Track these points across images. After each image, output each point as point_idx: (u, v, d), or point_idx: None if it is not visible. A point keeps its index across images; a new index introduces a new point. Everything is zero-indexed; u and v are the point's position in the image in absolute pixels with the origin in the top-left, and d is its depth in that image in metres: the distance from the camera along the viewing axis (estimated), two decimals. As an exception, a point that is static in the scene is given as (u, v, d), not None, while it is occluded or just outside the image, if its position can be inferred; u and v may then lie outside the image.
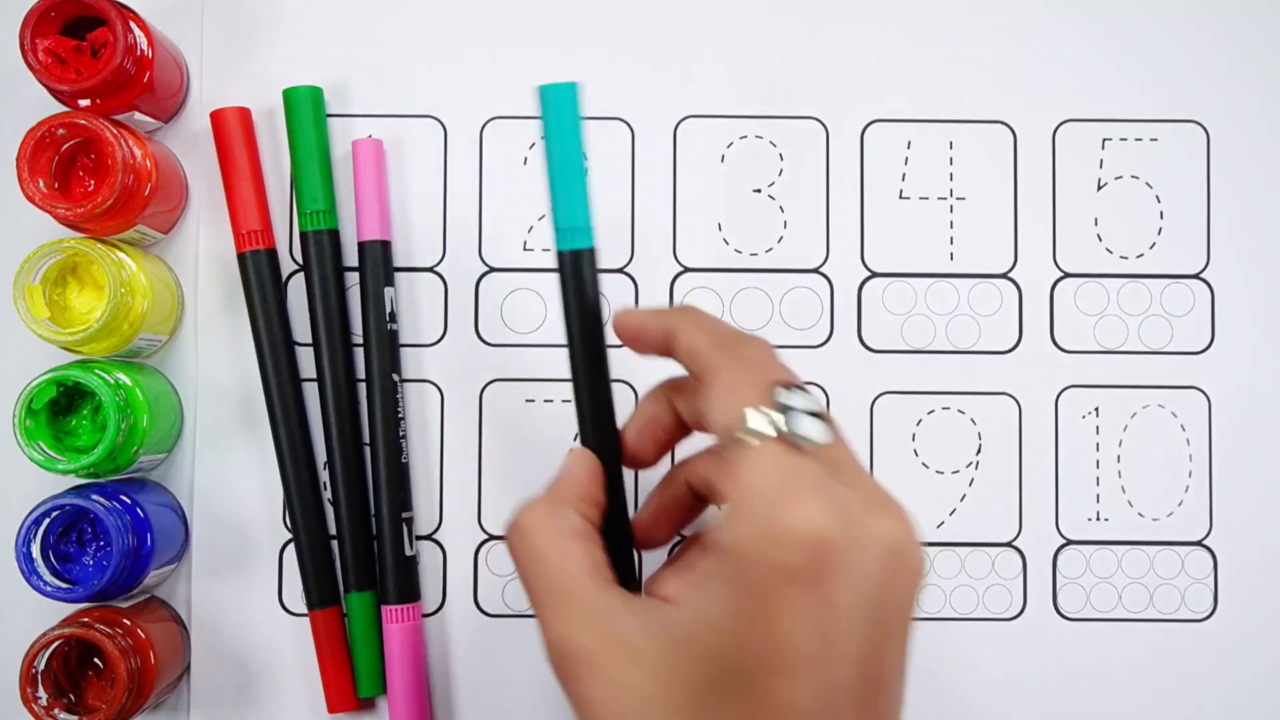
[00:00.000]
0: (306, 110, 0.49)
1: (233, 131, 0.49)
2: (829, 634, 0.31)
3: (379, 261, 0.49)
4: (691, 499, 0.40)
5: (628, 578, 0.41)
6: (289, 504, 0.49)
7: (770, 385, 0.34)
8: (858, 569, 0.31)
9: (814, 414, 0.34)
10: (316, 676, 0.50)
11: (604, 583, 0.35)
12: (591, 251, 0.40)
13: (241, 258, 0.49)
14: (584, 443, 0.41)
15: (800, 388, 0.34)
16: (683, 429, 0.40)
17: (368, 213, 0.50)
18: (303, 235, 0.50)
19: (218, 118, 0.49)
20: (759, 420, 0.33)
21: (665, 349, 0.39)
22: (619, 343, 0.40)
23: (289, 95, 0.50)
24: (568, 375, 0.41)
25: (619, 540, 0.40)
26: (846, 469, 0.33)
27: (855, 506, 0.32)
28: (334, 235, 0.50)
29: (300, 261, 0.51)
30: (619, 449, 0.41)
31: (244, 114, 0.50)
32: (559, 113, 0.40)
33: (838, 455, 0.34)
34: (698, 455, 0.40)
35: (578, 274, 0.40)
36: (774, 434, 0.33)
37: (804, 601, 0.31)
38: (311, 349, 0.50)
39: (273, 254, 0.50)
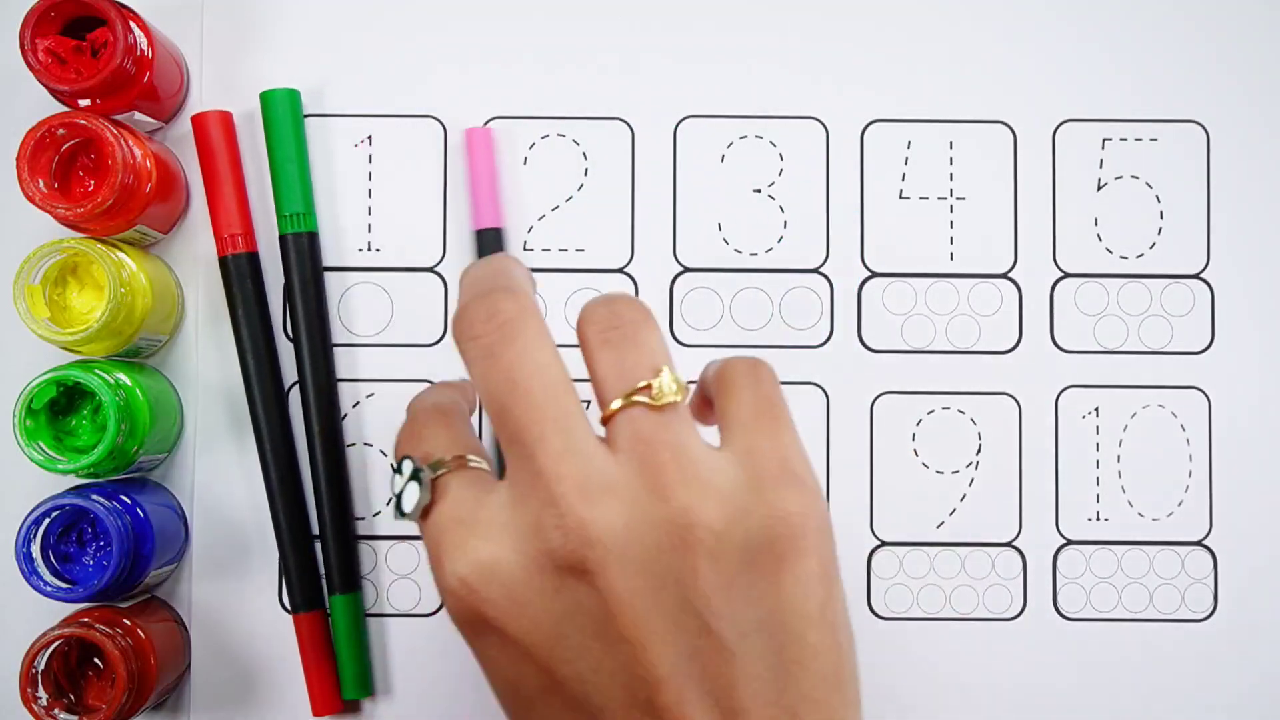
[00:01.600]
0: (284, 112, 0.50)
1: (214, 135, 0.49)
2: None
3: (494, 247, 0.50)
4: None
5: None
6: (271, 507, 0.49)
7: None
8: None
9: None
10: (316, 676, 0.50)
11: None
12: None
13: (223, 261, 0.49)
14: None
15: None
16: None
17: (484, 200, 0.50)
18: (281, 238, 0.50)
19: (199, 122, 0.49)
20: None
21: None
22: None
23: (266, 98, 0.50)
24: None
25: None
26: None
27: None
28: (313, 237, 0.50)
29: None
30: None
31: (225, 117, 0.50)
32: None
33: None
34: None
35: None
36: None
37: None
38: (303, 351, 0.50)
39: (254, 257, 0.50)
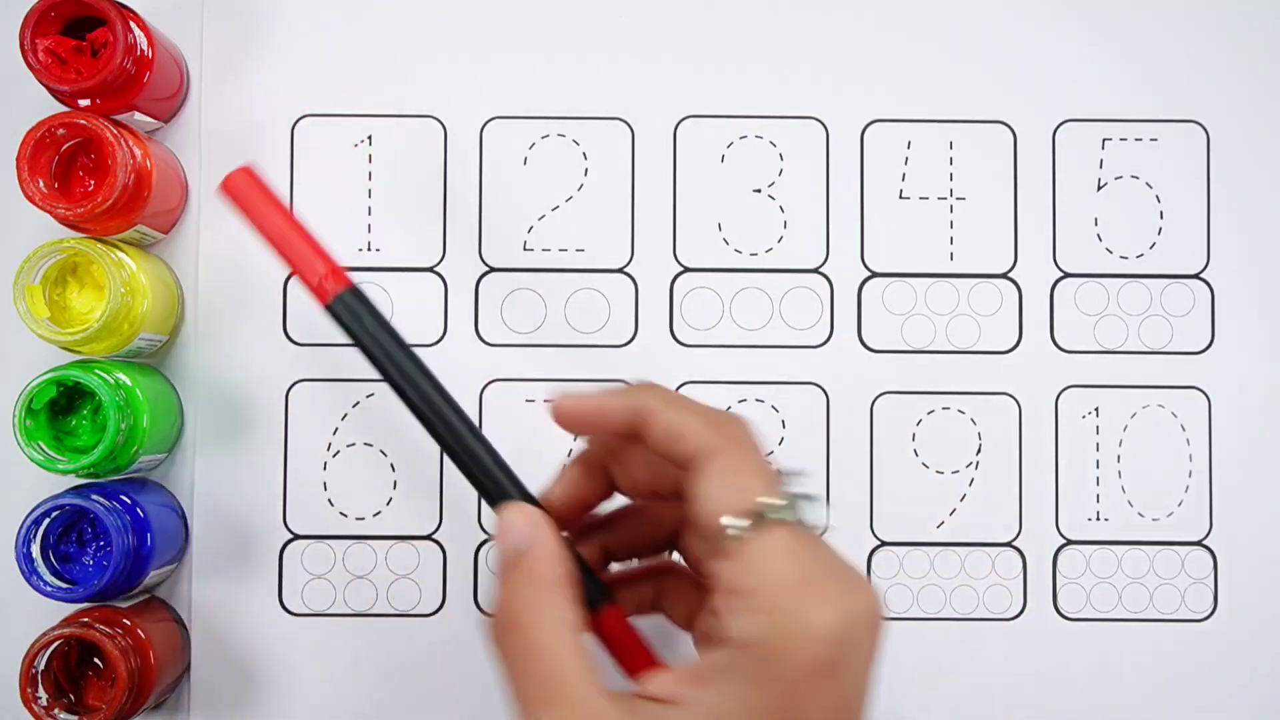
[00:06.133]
0: None
1: (251, 195, 0.42)
2: (844, 714, 0.32)
3: None
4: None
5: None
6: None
7: (771, 471, 0.34)
8: (859, 650, 0.32)
9: (812, 498, 0.34)
10: (316, 677, 0.50)
11: (600, 686, 0.33)
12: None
13: (331, 308, 0.40)
14: (493, 500, 0.38)
15: (792, 472, 0.35)
16: (607, 494, 0.39)
17: None
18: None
19: (231, 189, 0.42)
20: (773, 508, 0.33)
21: (633, 430, 0.36)
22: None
23: None
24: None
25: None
26: (822, 546, 0.34)
27: (847, 587, 0.33)
28: None
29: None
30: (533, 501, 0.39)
31: (247, 174, 0.42)
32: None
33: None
34: (684, 530, 0.39)
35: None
36: (787, 522, 0.33)
37: (829, 689, 0.31)
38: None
39: (357, 291, 0.41)
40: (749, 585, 0.32)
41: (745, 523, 0.32)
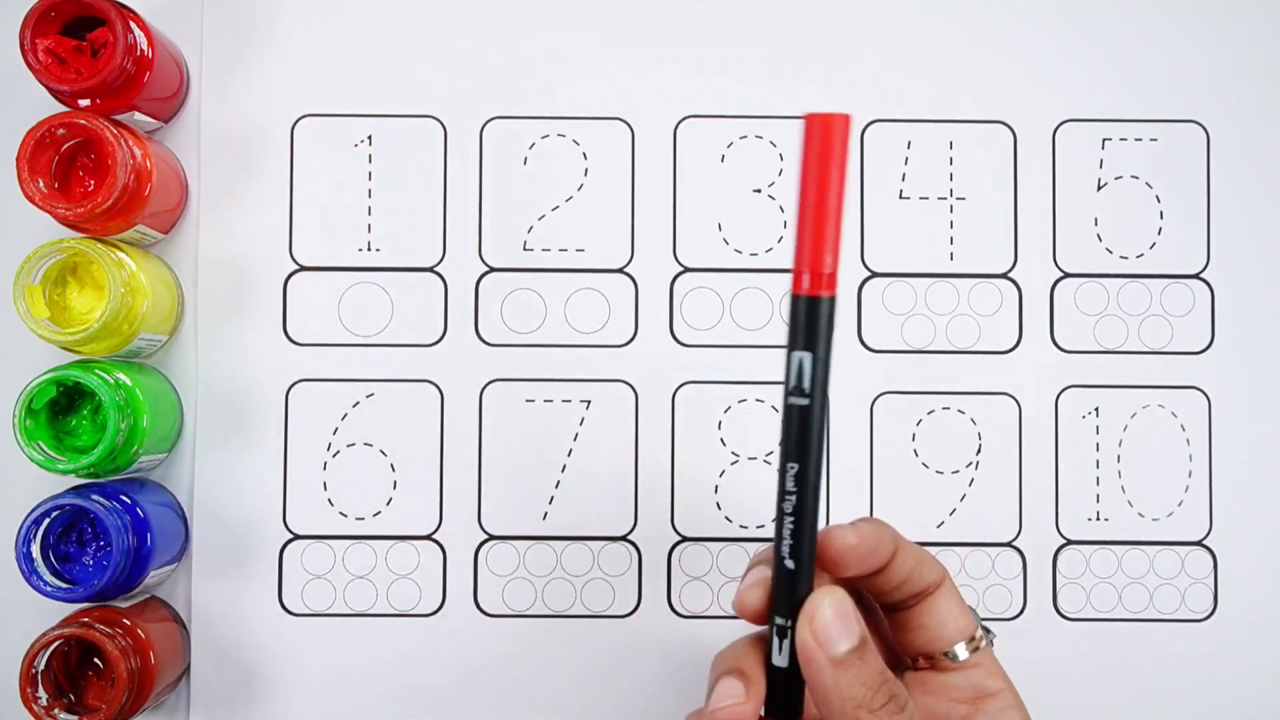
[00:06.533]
0: None
1: (833, 147, 0.34)
2: None
3: None
4: None
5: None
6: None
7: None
8: None
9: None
10: (316, 677, 0.50)
11: None
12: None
13: (813, 303, 0.34)
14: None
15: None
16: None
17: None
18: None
19: (822, 129, 0.34)
20: (986, 631, 0.39)
21: (886, 562, 0.37)
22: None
23: None
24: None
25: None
26: None
27: None
28: None
29: (305, 262, 0.51)
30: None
31: (846, 125, 0.34)
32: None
33: None
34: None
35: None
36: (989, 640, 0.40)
37: None
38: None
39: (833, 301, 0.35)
40: (998, 687, 0.38)
41: (980, 644, 0.39)
